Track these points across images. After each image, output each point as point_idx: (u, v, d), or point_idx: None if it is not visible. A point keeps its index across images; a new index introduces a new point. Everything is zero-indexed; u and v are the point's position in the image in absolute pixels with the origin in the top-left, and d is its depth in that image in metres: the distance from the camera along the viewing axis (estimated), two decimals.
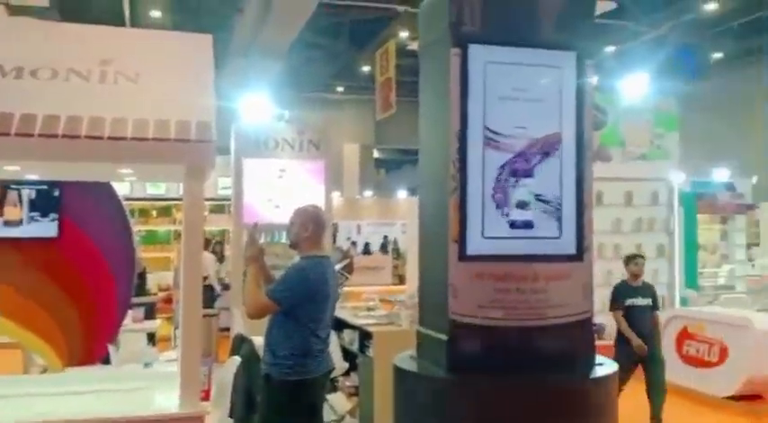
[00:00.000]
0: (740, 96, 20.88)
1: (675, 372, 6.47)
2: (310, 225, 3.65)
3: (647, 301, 5.58)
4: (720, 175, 15.64)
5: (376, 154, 26.23)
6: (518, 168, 2.93)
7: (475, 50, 2.82)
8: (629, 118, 8.87)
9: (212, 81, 2.12)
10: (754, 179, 15.56)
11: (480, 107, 2.85)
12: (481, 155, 2.87)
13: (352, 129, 26.09)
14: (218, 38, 15.05)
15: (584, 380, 2.84)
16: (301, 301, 3.49)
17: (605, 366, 2.94)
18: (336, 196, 23.74)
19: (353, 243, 22.00)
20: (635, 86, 9.00)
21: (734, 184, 14.36)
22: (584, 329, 2.97)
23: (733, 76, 21.05)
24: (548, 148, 2.95)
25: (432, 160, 3.08)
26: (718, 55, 20.60)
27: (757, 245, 12.91)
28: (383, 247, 19.52)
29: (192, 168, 2.02)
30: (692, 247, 11.80)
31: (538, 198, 2.94)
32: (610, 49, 17.08)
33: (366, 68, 18.70)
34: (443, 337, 2.81)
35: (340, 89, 23.24)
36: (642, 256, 5.86)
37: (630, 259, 5.74)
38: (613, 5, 13.58)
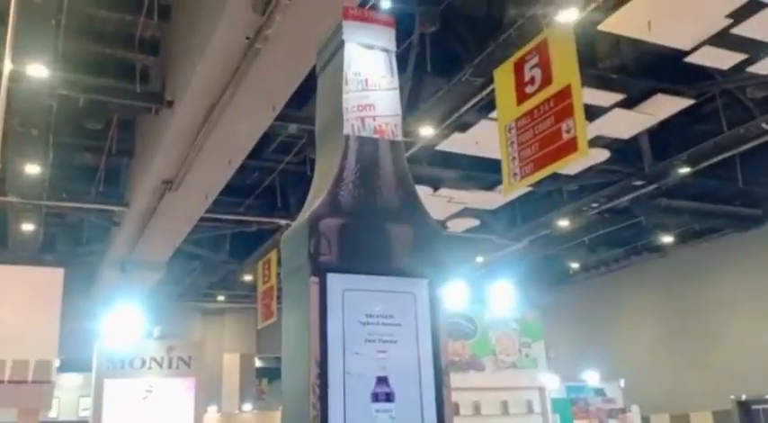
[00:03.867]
0: (598, 303, 22.58)
1: None
2: None
3: None
4: (591, 378, 16.34)
5: (257, 363, 25.37)
6: (379, 393, 2.97)
7: (333, 279, 2.97)
8: (497, 328, 9.31)
9: (59, 316, 2.09)
10: (622, 382, 16.34)
11: (340, 333, 2.94)
12: (342, 380, 2.90)
13: (232, 338, 25.40)
14: (95, 250, 14.81)
15: None
16: None
17: None
18: (213, 411, 22.28)
19: None
20: (500, 297, 9.59)
21: (604, 390, 14.98)
22: None
23: (590, 284, 22.91)
24: (407, 371, 3.04)
25: (293, 385, 3.06)
26: (575, 265, 22.56)
27: None
28: None
29: (24, 411, 1.90)
30: None
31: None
32: (479, 259, 18.32)
33: (248, 278, 18.77)
34: None
35: (221, 298, 22.97)
36: None
37: None
38: (476, 222, 14.87)
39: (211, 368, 20.33)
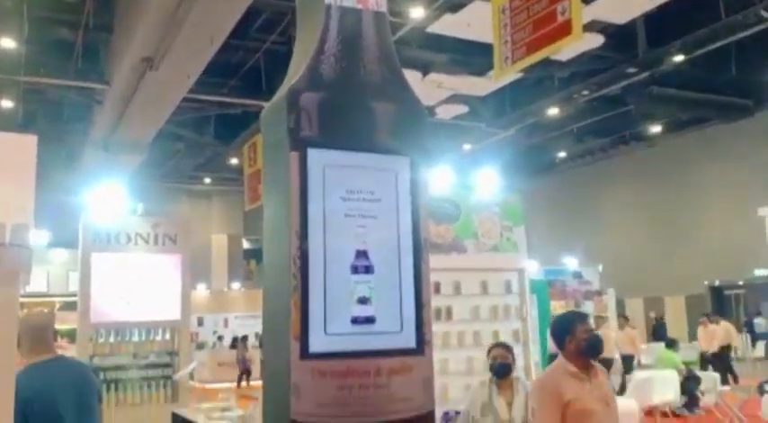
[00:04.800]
0: (582, 191, 22.89)
1: None
2: (22, 335, 2.96)
3: None
4: (570, 263, 16.86)
5: (245, 244, 25.88)
6: (358, 265, 3.03)
7: (313, 154, 2.95)
8: (480, 212, 9.42)
9: (33, 183, 2.08)
10: (600, 267, 16.89)
11: (320, 207, 2.96)
12: (322, 253, 2.95)
13: (220, 220, 25.70)
14: (77, 128, 14.61)
15: None
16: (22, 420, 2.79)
17: None
18: (203, 289, 22.94)
19: (220, 337, 21.18)
20: (485, 182, 9.63)
21: (581, 273, 15.50)
22: None
23: (575, 173, 23.12)
24: (386, 245, 3.09)
25: (274, 258, 3.12)
26: (561, 154, 22.64)
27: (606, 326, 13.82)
28: (237, 341, 18.82)
29: (5, 273, 1.93)
30: (545, 331, 12.46)
31: (378, 294, 3.04)
32: (467, 147, 18.30)
33: (234, 161, 18.73)
34: None
35: (207, 180, 23.02)
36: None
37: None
38: (465, 109, 14.71)
39: (199, 247, 20.70)
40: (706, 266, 18.93)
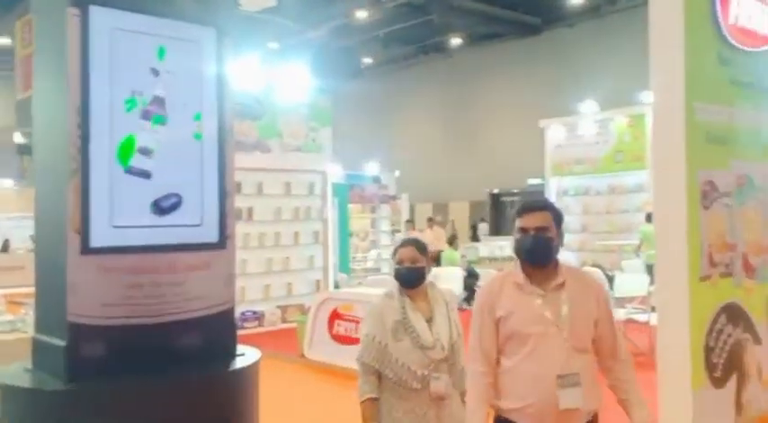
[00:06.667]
0: (385, 99, 23.35)
1: (328, 351, 6.85)
2: None
3: None
4: (371, 169, 17.28)
5: (18, 138, 22.97)
6: (150, 111, 2.65)
7: (97, 14, 2.47)
8: (286, 111, 9.12)
9: None
10: (397, 173, 17.53)
11: (104, 77, 2.52)
12: (108, 131, 2.54)
13: None
14: None
15: (221, 373, 2.72)
16: None
17: (247, 357, 2.86)
18: None
19: None
20: (294, 81, 9.30)
21: (380, 178, 15.97)
22: (225, 321, 2.85)
23: (380, 80, 23.42)
24: (186, 124, 2.75)
25: (49, 139, 2.65)
26: (368, 60, 22.71)
27: (399, 231, 14.48)
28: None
29: None
30: (345, 234, 12.78)
31: (164, 154, 2.70)
32: (273, 45, 17.56)
33: (4, 41, 16.21)
34: (61, 342, 2.43)
35: None
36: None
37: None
38: (273, 3, 13.96)
39: None
40: (490, 175, 20.50)
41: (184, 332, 2.69)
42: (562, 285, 2.24)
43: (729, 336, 4.59)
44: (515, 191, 20.05)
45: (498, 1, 16.94)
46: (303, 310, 8.38)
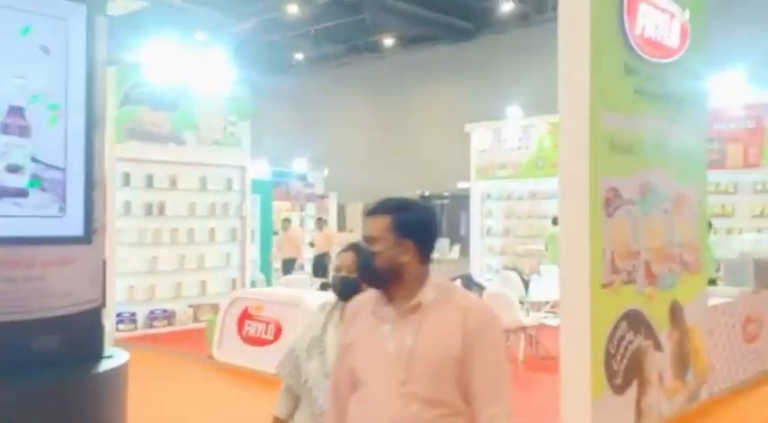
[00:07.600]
0: (316, 96, 23.07)
1: (237, 353, 6.60)
2: None
3: None
4: (299, 166, 17.01)
5: None
6: (10, 124, 2.40)
7: None
8: (204, 103, 8.76)
9: None
10: (326, 171, 17.33)
11: None
12: None
13: None
14: None
15: (81, 377, 2.47)
16: None
17: (113, 359, 2.62)
18: None
19: None
20: (213, 72, 8.95)
21: (306, 176, 15.72)
22: (91, 321, 2.60)
23: (311, 77, 23.13)
24: (49, 107, 2.49)
25: None
26: (299, 56, 22.39)
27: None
28: None
29: None
30: (268, 232, 12.47)
31: (36, 164, 2.46)
32: (200, 35, 17.04)
33: None
34: None
35: None
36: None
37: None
38: None
39: None
40: (420, 177, 20.55)
41: (42, 332, 2.44)
42: (417, 308, 1.65)
43: (630, 342, 4.65)
44: (446, 194, 20.17)
45: (432, 4, 16.97)
46: (216, 309, 8.08)
